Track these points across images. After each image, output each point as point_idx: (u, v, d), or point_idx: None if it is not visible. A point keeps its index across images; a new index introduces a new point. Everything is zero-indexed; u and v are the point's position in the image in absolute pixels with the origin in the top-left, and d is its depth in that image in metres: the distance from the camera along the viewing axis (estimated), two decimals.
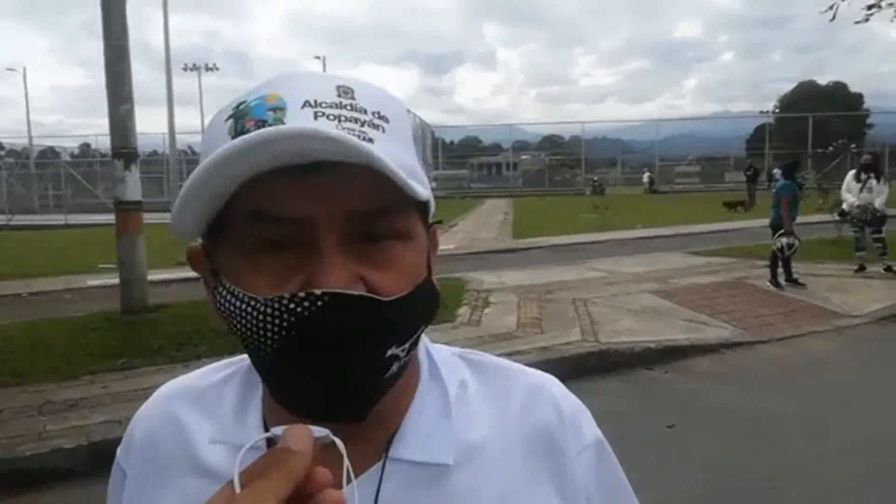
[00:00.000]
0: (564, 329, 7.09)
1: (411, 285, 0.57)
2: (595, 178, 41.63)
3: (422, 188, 0.55)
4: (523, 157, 60.47)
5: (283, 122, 0.53)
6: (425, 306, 0.59)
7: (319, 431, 0.45)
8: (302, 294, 0.52)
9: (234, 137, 0.54)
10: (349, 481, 0.45)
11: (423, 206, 0.60)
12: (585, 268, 11.44)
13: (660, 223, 19.22)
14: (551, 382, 0.75)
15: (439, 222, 0.67)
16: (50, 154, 50.56)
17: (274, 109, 0.54)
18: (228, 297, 0.57)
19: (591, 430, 0.72)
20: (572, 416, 0.71)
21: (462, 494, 0.63)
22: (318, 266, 0.53)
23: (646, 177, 43.15)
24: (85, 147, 56.38)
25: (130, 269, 7.92)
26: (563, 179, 50.04)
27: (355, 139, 0.50)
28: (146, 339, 6.75)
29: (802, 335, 7.17)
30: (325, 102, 0.55)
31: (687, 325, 7.39)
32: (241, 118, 0.55)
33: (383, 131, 0.56)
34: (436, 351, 0.72)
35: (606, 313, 7.85)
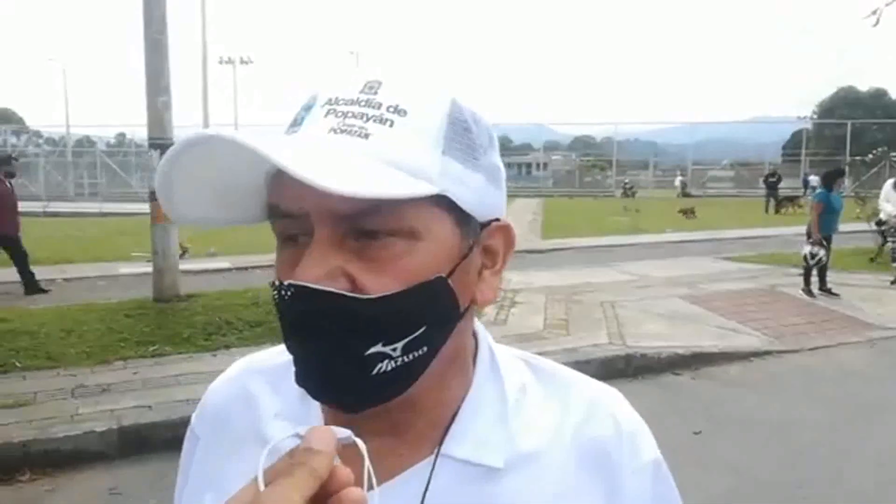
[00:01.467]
0: (592, 331, 7.06)
1: (403, 285, 0.56)
2: (626, 181, 41.25)
3: (424, 185, 0.55)
4: (554, 157, 60.21)
5: (303, 121, 0.59)
6: (424, 308, 0.58)
7: (342, 432, 0.46)
8: (277, 283, 0.57)
9: (288, 129, 0.60)
10: (370, 487, 0.47)
11: (450, 203, 0.58)
12: (614, 270, 11.36)
13: (691, 227, 19.02)
14: (613, 396, 0.74)
15: (496, 221, 0.64)
16: (86, 143, 51.45)
17: (306, 108, 0.59)
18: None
19: (649, 449, 0.70)
20: (631, 433, 0.70)
21: (509, 499, 0.63)
22: (302, 259, 0.56)
23: (678, 180, 42.68)
24: (121, 137, 57.30)
25: (163, 258, 8.04)
26: (593, 181, 49.66)
27: (253, 144, 0.49)
28: (176, 327, 6.86)
29: (833, 345, 7.05)
30: (343, 99, 0.58)
31: (716, 331, 7.31)
32: (294, 118, 0.61)
33: (391, 125, 0.56)
34: (499, 351, 0.71)
35: (634, 317, 7.80)
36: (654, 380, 5.94)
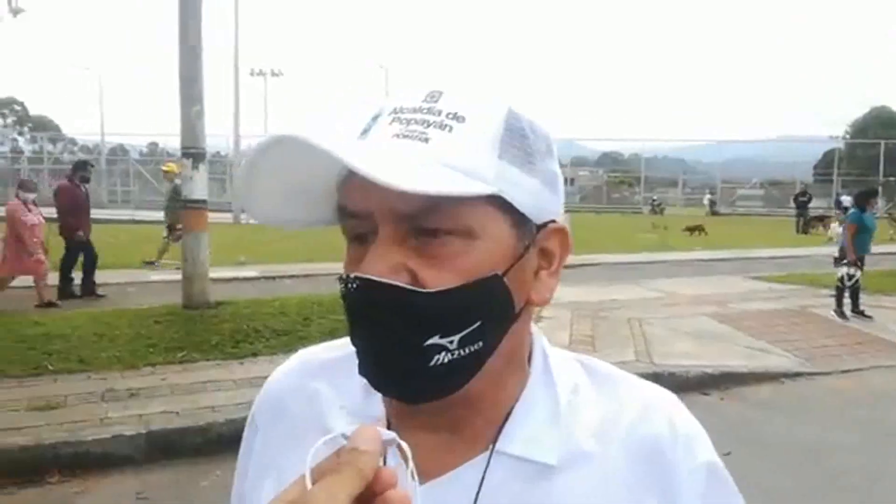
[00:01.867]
0: (618, 348, 7.00)
1: (461, 280, 0.59)
2: (654, 198, 40.99)
3: (480, 185, 0.58)
4: (581, 172, 60.00)
5: (370, 129, 0.62)
6: (480, 303, 0.60)
7: (387, 434, 0.48)
8: (346, 276, 0.60)
9: (359, 137, 0.63)
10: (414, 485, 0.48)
11: (506, 205, 0.61)
12: (642, 287, 11.27)
13: (720, 246, 18.81)
14: (668, 398, 0.74)
15: (552, 223, 0.66)
16: (120, 151, 52.35)
17: (373, 118, 0.63)
18: None
19: (705, 450, 0.70)
20: (687, 433, 0.70)
21: (562, 496, 0.64)
22: (367, 255, 0.59)
23: (707, 198, 42.31)
24: (153, 146, 58.18)
25: (194, 265, 8.13)
26: (621, 197, 49.43)
27: (328, 146, 0.52)
28: (205, 335, 6.93)
29: (866, 368, 6.91)
30: (407, 108, 0.62)
31: (746, 351, 7.21)
32: (369, 122, 0.64)
33: (450, 130, 0.60)
34: (552, 352, 0.73)
35: (662, 335, 7.72)
36: (682, 399, 5.78)
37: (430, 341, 0.59)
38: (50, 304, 8.80)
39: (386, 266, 0.58)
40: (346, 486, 0.42)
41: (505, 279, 0.61)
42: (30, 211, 8.99)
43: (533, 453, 0.65)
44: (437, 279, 0.58)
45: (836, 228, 10.18)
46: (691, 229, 23.61)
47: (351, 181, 0.59)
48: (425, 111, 0.61)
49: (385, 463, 0.47)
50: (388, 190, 0.52)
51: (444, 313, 0.59)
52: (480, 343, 0.61)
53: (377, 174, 0.52)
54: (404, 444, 0.48)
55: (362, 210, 0.60)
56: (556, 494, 0.64)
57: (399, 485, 0.45)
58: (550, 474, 0.65)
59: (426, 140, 0.59)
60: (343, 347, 0.76)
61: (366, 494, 0.43)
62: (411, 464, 0.48)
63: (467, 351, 0.60)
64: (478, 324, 0.60)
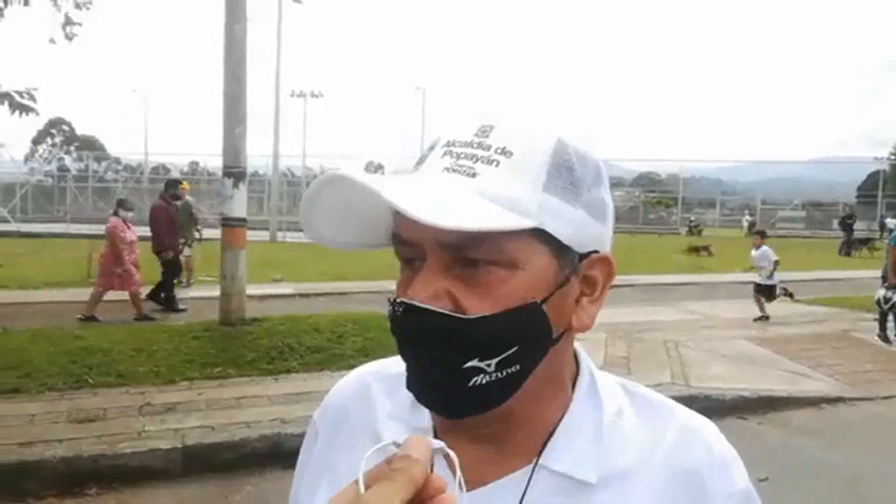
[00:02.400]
0: (654, 370, 6.92)
1: (500, 308, 0.62)
2: (692, 219, 40.51)
3: (521, 219, 0.61)
4: (617, 193, 59.60)
5: (425, 160, 0.67)
6: (517, 329, 0.63)
7: (436, 443, 0.51)
8: (393, 300, 0.65)
9: (415, 166, 0.69)
10: (460, 492, 0.51)
11: (547, 236, 0.63)
12: (678, 309, 11.13)
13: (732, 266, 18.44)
14: (708, 426, 0.76)
15: (595, 252, 0.68)
16: (162, 170, 53.46)
17: (431, 148, 0.67)
18: None
19: (741, 477, 0.73)
20: (724, 460, 0.72)
21: None
22: (414, 281, 0.63)
23: (745, 219, 41.68)
24: (194, 165, 59.33)
25: (232, 283, 8.24)
26: (657, 218, 48.92)
27: (376, 187, 0.56)
28: (241, 351, 7.01)
29: None
30: (459, 142, 0.65)
31: (785, 375, 7.06)
32: (426, 151, 0.68)
33: (497, 165, 0.63)
34: (599, 375, 0.76)
35: (699, 357, 7.61)
36: (719, 423, 5.47)
37: (469, 364, 0.62)
38: (146, 318, 9.23)
39: (430, 292, 0.62)
40: (399, 492, 0.45)
41: (544, 307, 0.64)
42: (128, 228, 9.54)
43: (574, 470, 0.68)
44: (478, 306, 0.62)
45: None
46: (696, 249, 23.34)
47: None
48: (476, 145, 0.64)
49: (433, 471, 0.49)
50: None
51: (483, 338, 0.62)
52: (518, 366, 0.64)
53: (418, 213, 0.55)
54: (452, 454, 0.51)
55: (412, 239, 0.64)
56: None
57: (447, 492, 0.48)
58: (590, 492, 0.67)
59: (473, 175, 0.62)
60: (399, 363, 0.81)
61: (416, 499, 0.46)
62: (459, 473, 0.51)
63: (504, 374, 0.63)
64: (515, 349, 0.63)
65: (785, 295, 10.85)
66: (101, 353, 6.72)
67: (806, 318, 10.55)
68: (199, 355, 6.84)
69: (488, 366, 0.62)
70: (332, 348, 7.15)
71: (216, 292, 8.76)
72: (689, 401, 6.01)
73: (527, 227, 0.61)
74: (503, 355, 0.62)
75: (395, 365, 0.81)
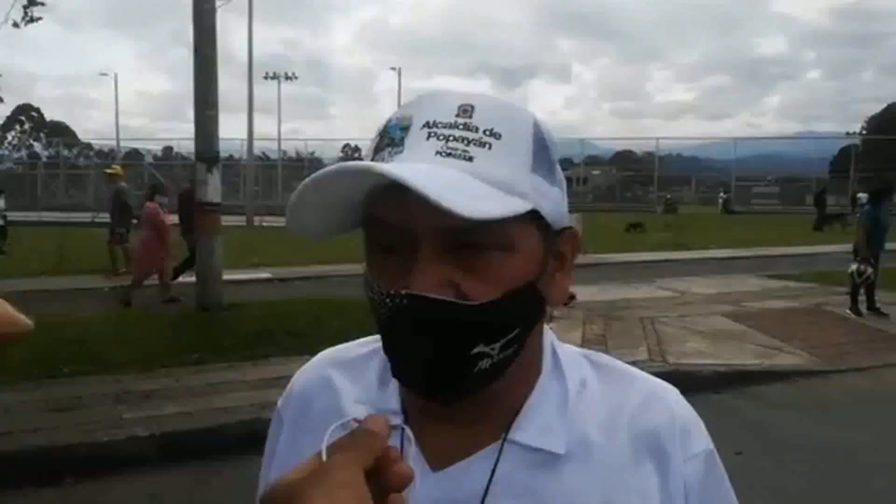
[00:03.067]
0: (631, 347, 6.99)
1: (501, 291, 0.62)
2: (668, 196, 40.83)
3: (521, 202, 0.61)
4: (594, 172, 59.82)
5: (403, 142, 0.63)
6: (518, 311, 0.64)
7: (394, 420, 0.54)
8: (393, 291, 0.62)
9: (374, 152, 0.66)
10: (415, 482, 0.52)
11: (537, 216, 0.64)
12: (655, 286, 11.24)
13: (735, 244, 18.69)
14: (670, 391, 0.78)
15: (567, 229, 0.70)
16: (135, 156, 52.75)
17: (403, 129, 0.64)
18: (364, 281, 0.68)
19: (701, 440, 0.75)
20: (684, 423, 0.74)
21: (569, 483, 0.68)
22: (413, 270, 0.61)
23: (721, 196, 42.11)
24: (168, 150, 58.60)
25: (207, 268, 8.19)
26: (634, 196, 49.27)
27: (401, 173, 0.54)
28: (219, 337, 6.97)
29: (881, 366, 6.85)
30: (441, 123, 0.63)
31: (760, 350, 7.17)
32: (383, 135, 0.66)
33: (489, 148, 0.62)
34: (562, 349, 0.77)
35: (675, 334, 7.69)
36: (695, 398, 5.60)
37: (475, 350, 0.62)
38: (173, 300, 9.31)
39: (433, 281, 0.60)
40: (359, 460, 0.48)
41: (538, 285, 0.66)
42: (165, 213, 9.76)
43: (542, 443, 0.69)
44: (480, 291, 0.61)
45: None
46: (632, 226, 24.33)
47: (387, 195, 0.60)
48: (462, 127, 0.62)
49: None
50: (432, 206, 0.54)
51: (489, 323, 0.62)
52: (516, 346, 0.65)
53: (450, 204, 0.53)
54: (408, 430, 0.55)
55: (401, 224, 0.62)
56: (564, 482, 0.68)
57: (404, 464, 0.51)
58: (558, 463, 0.69)
59: (470, 159, 0.61)
60: (364, 346, 0.82)
61: (375, 468, 0.49)
62: (414, 446, 0.55)
63: (505, 354, 0.64)
64: (517, 330, 0.64)
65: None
66: (76, 342, 6.66)
67: (780, 292, 10.70)
68: (177, 342, 6.80)
69: (492, 349, 0.63)
70: (311, 332, 7.13)
71: (192, 278, 8.70)
72: (666, 377, 5.87)
73: (527, 209, 0.61)
74: (506, 338, 0.63)
75: (358, 347, 0.82)
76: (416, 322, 0.61)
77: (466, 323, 0.61)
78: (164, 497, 4.12)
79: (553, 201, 0.66)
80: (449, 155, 0.61)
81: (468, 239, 0.61)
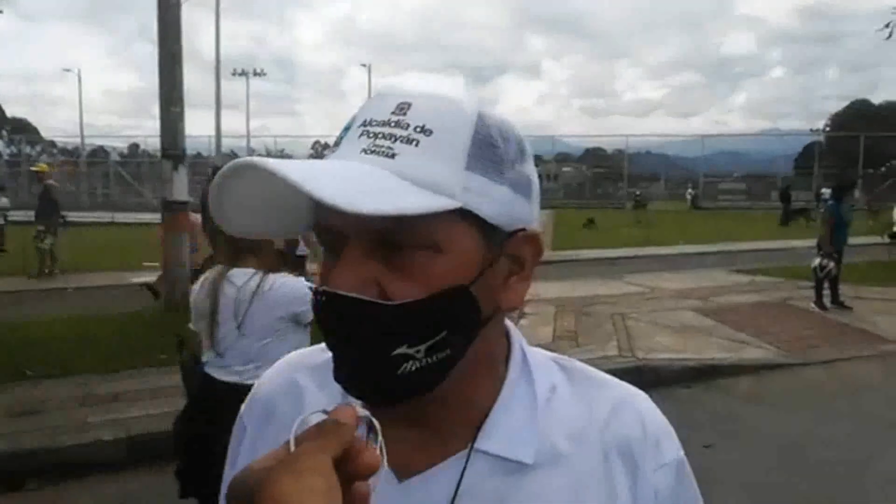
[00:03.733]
0: (601, 343, 7.03)
1: (427, 292, 0.60)
2: (637, 193, 41.19)
3: (445, 200, 0.58)
4: (565, 169, 60.14)
5: (341, 142, 0.63)
6: (445, 314, 0.61)
7: (362, 412, 0.54)
8: (315, 289, 0.62)
9: (332, 148, 0.65)
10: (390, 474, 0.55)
11: (472, 216, 0.61)
12: (625, 282, 11.34)
13: (703, 239, 18.94)
14: (640, 398, 0.77)
15: (521, 230, 0.66)
16: (100, 153, 51.86)
17: (346, 129, 0.64)
18: None
19: (671, 449, 0.74)
20: (655, 432, 0.73)
21: (538, 494, 0.67)
22: (334, 268, 0.61)
23: (689, 193, 42.63)
24: (133, 147, 57.68)
25: (175, 268, 8.07)
26: (604, 193, 49.65)
27: (287, 172, 0.53)
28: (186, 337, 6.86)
29: (846, 359, 6.99)
30: (375, 121, 0.62)
31: (727, 343, 7.26)
32: (341, 133, 0.65)
33: (416, 145, 0.60)
34: (531, 353, 0.75)
35: (645, 329, 7.76)
36: (665, 392, 5.88)
37: (397, 351, 0.60)
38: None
39: (353, 280, 0.59)
40: (326, 449, 0.48)
41: (472, 289, 0.62)
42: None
43: (511, 452, 0.67)
44: (404, 291, 0.60)
45: None
46: (587, 222, 24.70)
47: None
48: (393, 124, 0.61)
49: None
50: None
51: (410, 324, 0.60)
52: (448, 351, 0.62)
53: (334, 199, 0.53)
54: (376, 422, 0.55)
55: (332, 225, 0.61)
56: (533, 492, 0.66)
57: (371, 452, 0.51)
58: (527, 472, 0.67)
59: (392, 156, 0.59)
60: (323, 351, 0.79)
61: (343, 458, 0.49)
62: (381, 438, 0.54)
63: (434, 359, 0.62)
64: (444, 333, 0.61)
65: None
66: (40, 345, 6.53)
67: (747, 287, 10.86)
68: (144, 343, 6.68)
69: (417, 352, 0.61)
70: None
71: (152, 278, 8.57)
72: (636, 372, 6.15)
73: (449, 207, 0.58)
74: (431, 341, 0.61)
75: (319, 354, 0.79)
76: (335, 320, 0.61)
77: (385, 322, 0.60)
78: (133, 502, 4.05)
79: (499, 202, 0.62)
80: (373, 152, 0.60)
81: (391, 238, 0.59)
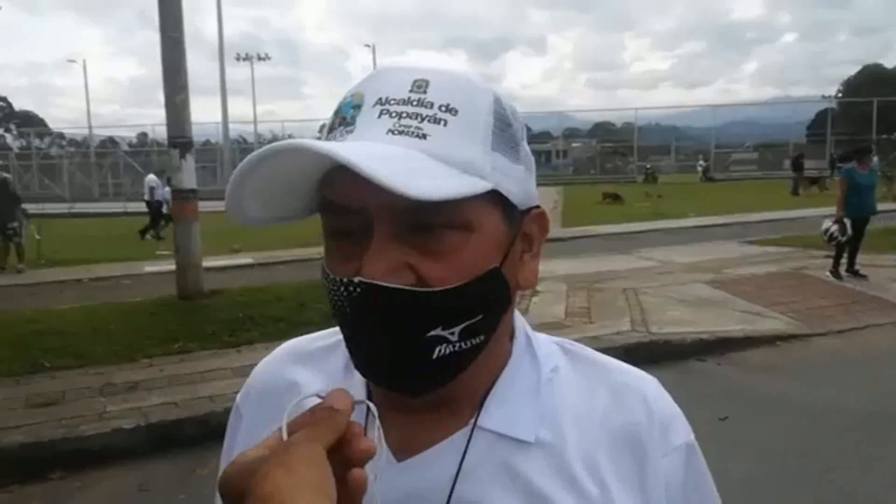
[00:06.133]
0: (614, 319, 7.02)
1: (463, 275, 0.59)
2: (648, 166, 40.92)
3: (479, 181, 0.58)
4: (574, 144, 59.77)
5: (355, 120, 0.60)
6: (481, 296, 0.61)
7: (357, 397, 0.53)
8: (346, 280, 0.59)
9: (328, 132, 0.63)
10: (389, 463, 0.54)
11: (498, 196, 0.61)
12: (636, 257, 11.29)
13: (715, 211, 18.82)
14: (646, 382, 0.75)
15: (534, 208, 0.67)
16: (109, 144, 52.04)
17: (355, 107, 0.61)
18: (321, 269, 0.64)
19: (681, 433, 0.73)
20: (662, 417, 0.72)
21: (538, 471, 0.66)
22: (366, 254, 0.58)
23: (699, 164, 42.29)
24: (142, 136, 57.83)
25: (186, 256, 8.11)
26: (614, 167, 49.33)
27: (341, 151, 0.51)
28: (201, 325, 6.92)
29: (862, 328, 6.95)
30: (394, 99, 0.60)
31: (741, 315, 7.23)
32: (336, 113, 0.63)
33: (445, 125, 0.59)
34: (535, 337, 0.75)
35: (658, 303, 7.74)
36: (679, 366, 5.88)
37: (432, 332, 0.59)
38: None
39: (388, 266, 0.58)
40: (321, 437, 0.48)
41: (503, 271, 0.63)
42: None
43: (512, 430, 0.67)
44: (440, 274, 0.59)
45: None
46: (607, 196, 23.91)
47: (339, 176, 0.57)
48: (416, 103, 0.59)
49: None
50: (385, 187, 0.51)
51: (448, 310, 0.60)
52: (482, 336, 0.63)
53: (392, 182, 0.50)
54: (373, 407, 0.54)
55: (354, 205, 0.59)
56: (532, 470, 0.66)
57: (366, 438, 0.51)
58: (528, 451, 0.66)
59: (423, 136, 0.58)
60: (327, 338, 0.79)
61: (338, 445, 0.49)
62: (378, 423, 0.53)
63: (468, 344, 0.62)
64: (480, 317, 0.61)
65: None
66: (56, 336, 6.59)
67: (760, 258, 10.79)
68: (159, 331, 6.74)
69: (452, 334, 0.60)
70: (295, 317, 7.09)
71: (172, 266, 8.61)
72: (650, 346, 6.14)
73: (487, 189, 0.59)
74: (467, 322, 0.61)
75: (319, 339, 0.79)
76: (372, 310, 0.58)
77: (424, 310, 0.59)
78: (153, 488, 4.10)
79: (517, 180, 0.63)
80: (401, 133, 0.58)
81: (424, 219, 0.58)
